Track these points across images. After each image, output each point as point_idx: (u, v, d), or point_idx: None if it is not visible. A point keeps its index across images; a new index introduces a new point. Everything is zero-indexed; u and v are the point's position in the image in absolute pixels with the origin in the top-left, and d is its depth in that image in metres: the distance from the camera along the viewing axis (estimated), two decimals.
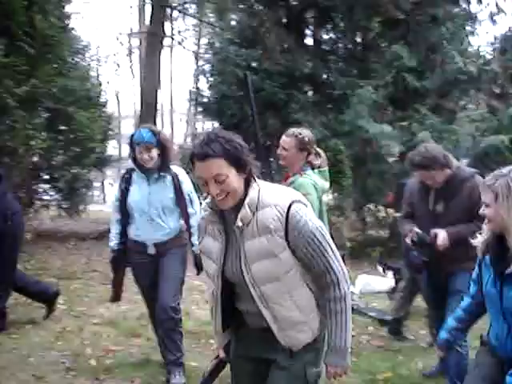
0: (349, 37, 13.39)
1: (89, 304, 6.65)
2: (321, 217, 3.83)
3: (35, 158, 8.93)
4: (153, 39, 14.44)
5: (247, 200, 2.15)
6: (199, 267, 4.16)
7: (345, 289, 2.24)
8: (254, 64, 13.04)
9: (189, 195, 4.36)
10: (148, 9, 16.65)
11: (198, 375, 4.36)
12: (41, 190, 12.10)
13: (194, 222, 4.20)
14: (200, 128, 28.46)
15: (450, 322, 2.95)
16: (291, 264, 2.19)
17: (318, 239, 2.17)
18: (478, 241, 2.63)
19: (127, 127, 32.59)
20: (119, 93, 32.52)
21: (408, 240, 3.89)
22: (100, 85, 15.20)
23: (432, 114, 10.95)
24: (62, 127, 8.67)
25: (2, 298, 5.53)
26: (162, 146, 4.19)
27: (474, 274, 2.77)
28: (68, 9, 10.53)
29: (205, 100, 15.35)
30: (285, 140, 4.06)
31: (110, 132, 15.01)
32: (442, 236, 3.70)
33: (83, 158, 10.69)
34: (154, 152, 4.14)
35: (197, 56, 24.33)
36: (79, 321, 5.91)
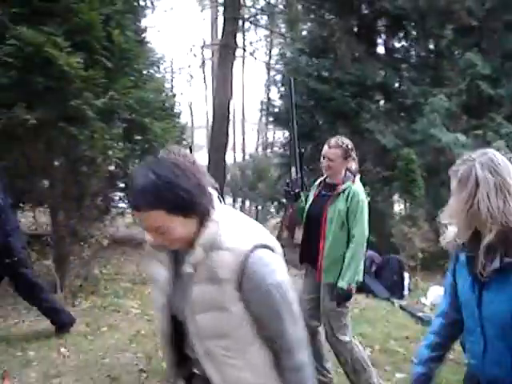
0: (421, 45, 13.26)
1: None
2: (368, 222, 4.07)
3: (112, 167, 9.23)
4: (225, 51, 14.71)
5: (200, 241, 1.76)
6: None
7: (300, 358, 1.86)
8: (324, 73, 13.06)
9: None
10: (220, 21, 16.94)
11: None
12: (117, 197, 12.49)
13: None
14: (271, 137, 28.58)
15: (423, 351, 2.37)
16: (245, 319, 1.81)
17: (273, 297, 1.78)
18: (449, 235, 2.20)
19: (200, 137, 33.20)
20: (192, 103, 33.13)
21: None
22: (174, 96, 15.54)
23: (507, 122, 10.68)
24: (138, 137, 8.93)
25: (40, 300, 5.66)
26: None
27: (447, 282, 2.34)
28: (143, 23, 10.87)
29: (276, 110, 15.47)
30: (330, 151, 4.15)
31: (184, 142, 15.32)
32: None
33: None
34: None
35: (268, 66, 24.56)
36: (152, 325, 6.09)
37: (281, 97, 15.47)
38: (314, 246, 4.12)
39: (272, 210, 19.09)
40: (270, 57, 27.21)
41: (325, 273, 4.11)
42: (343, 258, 4.02)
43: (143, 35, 10.21)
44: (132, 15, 8.88)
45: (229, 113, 14.85)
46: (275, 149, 18.73)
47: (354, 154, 4.21)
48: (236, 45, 15.59)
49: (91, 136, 7.16)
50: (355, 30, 13.11)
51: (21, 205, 10.98)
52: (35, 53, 6.60)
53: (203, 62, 31.40)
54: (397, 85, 13.30)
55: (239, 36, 20.56)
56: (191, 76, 25.90)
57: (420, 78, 12.79)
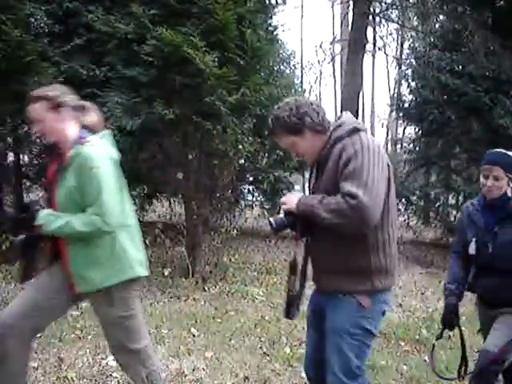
0: None
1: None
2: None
3: (242, 161, 9.61)
4: (355, 46, 14.70)
5: None
6: None
7: None
8: (457, 68, 12.70)
9: None
10: (350, 16, 16.90)
11: (386, 373, 4.55)
12: (246, 190, 12.96)
13: None
14: (401, 133, 28.06)
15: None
16: None
17: None
18: None
19: None
20: (321, 99, 33.23)
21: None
22: (303, 92, 15.79)
23: None
24: (267, 132, 9.23)
25: None
26: None
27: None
28: (274, 20, 11.13)
29: (406, 105, 15.24)
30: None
31: None
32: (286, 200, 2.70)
33: (285, 161, 11.28)
34: None
35: (399, 61, 24.13)
36: (276, 311, 6.34)
37: (411, 92, 15.21)
38: None
39: (400, 207, 18.84)
40: (401, 51, 26.70)
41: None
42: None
43: (274, 33, 10.47)
44: (263, 14, 9.16)
45: (357, 108, 14.84)
46: (404, 145, 18.39)
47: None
48: (366, 40, 15.54)
49: (224, 131, 7.54)
50: (490, 22, 12.61)
51: (157, 194, 11.73)
52: (173, 52, 7.05)
53: (333, 57, 31.40)
54: None
55: (369, 30, 20.36)
56: (320, 72, 26.00)
57: None
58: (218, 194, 8.66)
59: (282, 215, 2.68)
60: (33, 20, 8.16)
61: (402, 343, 5.61)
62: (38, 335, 3.53)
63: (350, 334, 2.60)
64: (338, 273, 2.64)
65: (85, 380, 4.11)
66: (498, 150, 3.37)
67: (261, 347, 5.20)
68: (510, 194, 3.29)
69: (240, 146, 7.80)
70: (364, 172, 2.43)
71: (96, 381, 4.12)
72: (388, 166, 2.62)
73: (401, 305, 7.43)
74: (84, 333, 5.19)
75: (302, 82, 19.92)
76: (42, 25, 8.24)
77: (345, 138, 2.60)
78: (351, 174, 2.45)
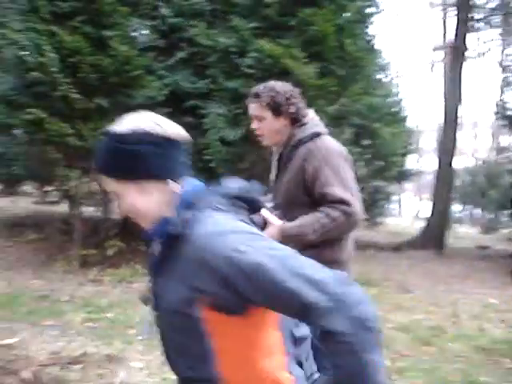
0: None
1: (384, 309, 6.94)
2: None
3: None
4: (456, 53, 14.31)
5: None
6: None
7: None
8: None
9: None
10: (450, 22, 16.46)
11: None
12: None
13: None
14: (505, 142, 26.96)
15: None
16: None
17: None
18: None
19: (427, 141, 32.47)
20: (419, 107, 32.57)
21: None
22: (401, 100, 15.54)
23: None
24: (366, 142, 9.19)
25: None
26: None
27: None
28: (372, 29, 11.07)
29: (509, 113, 14.63)
30: None
31: (411, 146, 15.25)
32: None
33: (385, 171, 11.16)
34: None
35: (503, 67, 23.22)
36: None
37: None
38: None
39: (504, 218, 18.12)
40: (505, 57, 25.64)
41: None
42: None
43: (372, 42, 10.41)
44: (362, 23, 9.14)
45: (457, 116, 14.40)
46: (510, 153, 17.66)
47: None
48: (466, 47, 15.07)
49: None
50: None
51: None
52: (274, 64, 7.18)
53: (433, 64, 30.67)
54: None
55: (471, 36, 19.75)
56: (419, 79, 25.43)
57: None
58: None
59: None
60: (138, 35, 8.55)
61: (506, 360, 5.38)
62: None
63: None
64: None
65: None
66: None
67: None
68: None
69: None
70: (341, 175, 2.46)
71: None
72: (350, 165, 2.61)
73: (503, 320, 7.13)
74: None
75: (399, 91, 19.58)
76: (146, 40, 8.62)
77: (307, 141, 2.57)
78: (328, 179, 2.45)
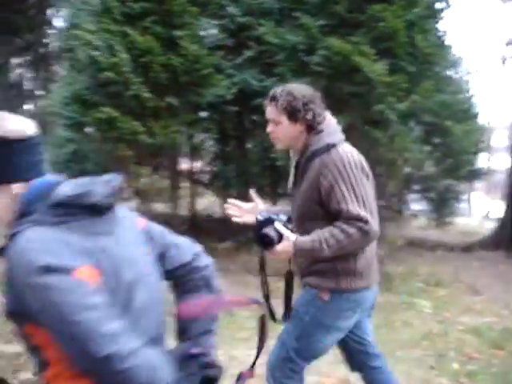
0: None
1: (454, 311, 6.82)
2: None
3: (408, 169, 9.45)
4: None
5: None
6: None
7: None
8: None
9: None
10: None
11: None
12: (411, 199, 12.69)
13: None
14: None
15: None
16: None
17: None
18: None
19: (498, 139, 31.49)
20: (490, 104, 31.60)
21: None
22: (473, 97, 15.14)
23: None
24: (437, 140, 9.01)
25: None
26: None
27: None
28: (442, 24, 10.85)
29: None
30: None
31: (483, 144, 14.84)
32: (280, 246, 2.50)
33: (456, 170, 10.91)
34: None
35: None
36: (444, 325, 6.13)
37: None
38: None
39: None
40: None
41: None
42: None
43: (443, 38, 10.19)
44: (432, 19, 8.96)
45: None
46: None
47: None
48: None
49: (391, 139, 7.46)
50: None
51: None
52: (342, 61, 7.12)
53: (504, 59, 29.69)
54: None
55: None
56: (490, 75, 24.69)
57: None
58: (382, 203, 8.58)
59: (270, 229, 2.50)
60: (207, 35, 8.67)
61: None
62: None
63: (299, 318, 2.65)
64: (309, 273, 2.66)
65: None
66: None
67: (427, 361, 5.06)
68: None
69: (407, 155, 7.68)
70: (356, 191, 2.45)
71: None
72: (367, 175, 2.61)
73: None
74: (251, 334, 5.38)
75: (469, 87, 19.05)
76: (215, 39, 8.74)
77: (322, 153, 2.52)
78: (344, 194, 2.44)
